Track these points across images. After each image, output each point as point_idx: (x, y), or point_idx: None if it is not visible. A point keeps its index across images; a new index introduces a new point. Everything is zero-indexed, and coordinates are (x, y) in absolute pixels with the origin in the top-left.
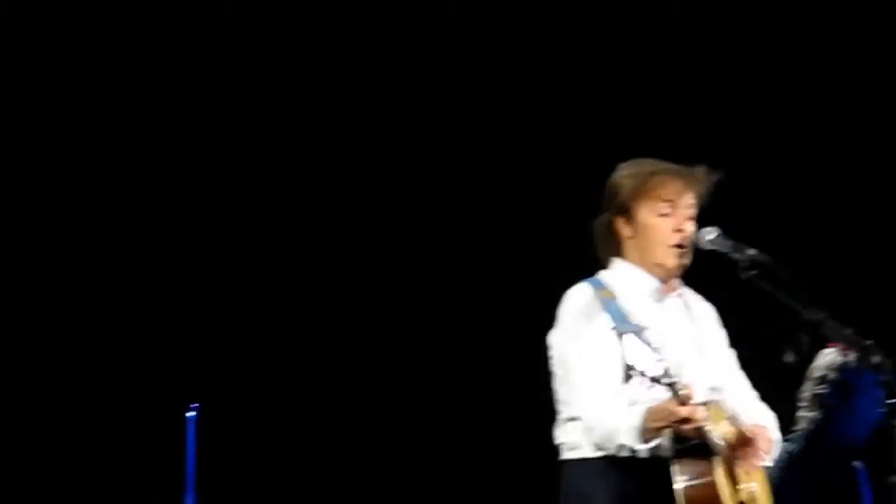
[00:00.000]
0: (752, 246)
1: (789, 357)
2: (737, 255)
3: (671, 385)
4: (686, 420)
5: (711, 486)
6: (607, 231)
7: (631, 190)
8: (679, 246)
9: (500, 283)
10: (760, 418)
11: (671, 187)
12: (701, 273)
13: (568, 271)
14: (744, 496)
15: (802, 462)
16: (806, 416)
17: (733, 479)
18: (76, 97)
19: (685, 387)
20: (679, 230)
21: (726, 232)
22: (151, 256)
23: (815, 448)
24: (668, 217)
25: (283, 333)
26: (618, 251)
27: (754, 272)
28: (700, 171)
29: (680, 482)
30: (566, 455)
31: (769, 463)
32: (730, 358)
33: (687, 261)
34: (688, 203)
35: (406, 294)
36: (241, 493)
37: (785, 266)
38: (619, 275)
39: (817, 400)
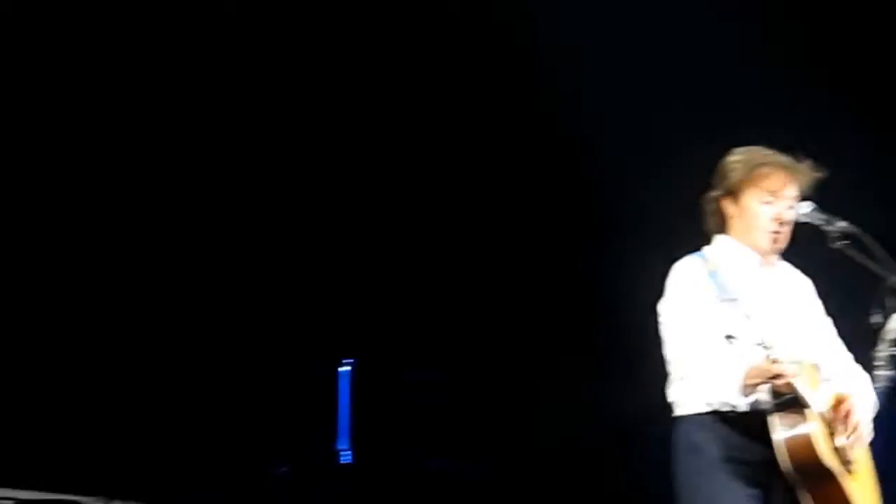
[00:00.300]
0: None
1: (877, 319)
2: (829, 227)
3: (764, 346)
4: (778, 376)
5: (807, 436)
6: (715, 207)
7: (740, 176)
8: (776, 232)
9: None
10: (854, 380)
11: (776, 178)
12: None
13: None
14: (838, 445)
15: (881, 418)
16: (882, 374)
17: (829, 430)
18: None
19: (777, 348)
20: (778, 219)
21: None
22: (311, 223)
23: (891, 404)
24: (770, 205)
25: (428, 294)
26: (723, 227)
27: (845, 242)
28: (805, 165)
29: (779, 433)
30: (678, 411)
31: (866, 420)
32: (826, 326)
33: (782, 245)
34: (790, 194)
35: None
36: (390, 441)
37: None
38: (722, 249)
39: (892, 359)
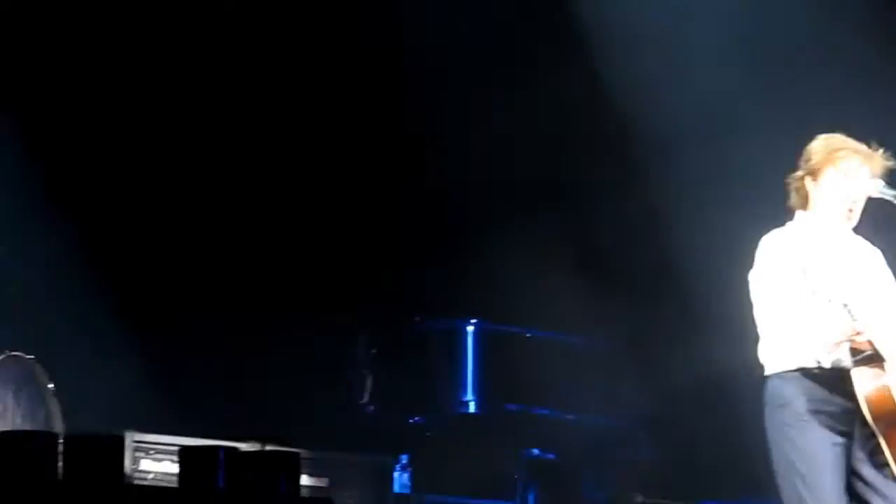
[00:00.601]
0: None
1: None
2: None
3: (846, 307)
4: (859, 333)
5: (887, 387)
6: (798, 186)
7: (820, 158)
8: (850, 209)
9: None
10: None
11: (852, 162)
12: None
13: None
14: None
15: None
16: None
17: None
18: None
19: (857, 308)
20: (852, 197)
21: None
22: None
23: None
24: (845, 185)
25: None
26: (804, 204)
27: None
28: (878, 154)
29: (861, 385)
30: (767, 370)
31: None
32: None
33: (855, 219)
34: (863, 176)
35: None
36: (509, 391)
37: None
38: (804, 223)
39: None
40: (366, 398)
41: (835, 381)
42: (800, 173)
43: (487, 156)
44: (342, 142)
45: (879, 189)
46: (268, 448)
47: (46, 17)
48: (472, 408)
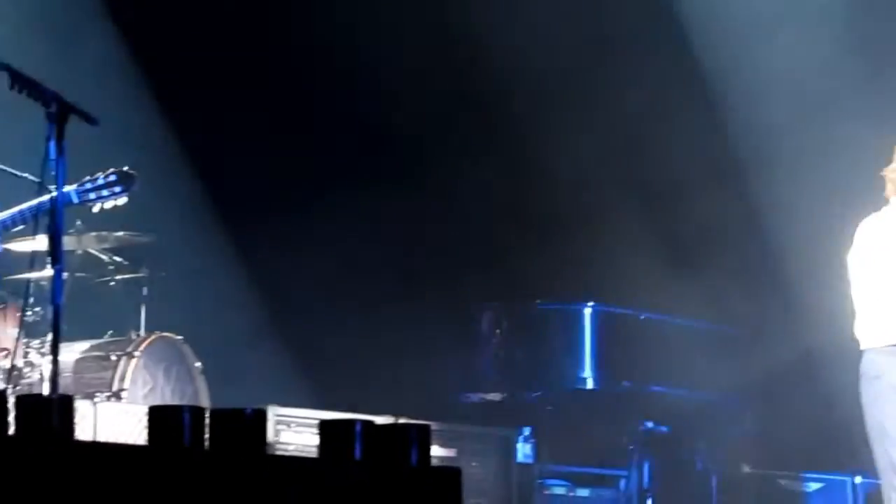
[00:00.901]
0: None
1: None
2: None
3: None
4: None
5: None
6: (892, 176)
7: None
8: None
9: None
10: None
11: None
12: None
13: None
14: None
15: None
16: None
17: None
18: None
19: None
20: None
21: None
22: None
23: None
24: None
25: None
26: None
27: None
28: None
29: None
30: (863, 345)
31: None
32: None
33: None
34: None
35: None
36: (624, 368)
37: None
38: None
39: None
40: (492, 375)
41: None
42: (893, 165)
43: (611, 149)
44: (470, 140)
45: None
46: (401, 421)
47: None
48: (589, 384)
